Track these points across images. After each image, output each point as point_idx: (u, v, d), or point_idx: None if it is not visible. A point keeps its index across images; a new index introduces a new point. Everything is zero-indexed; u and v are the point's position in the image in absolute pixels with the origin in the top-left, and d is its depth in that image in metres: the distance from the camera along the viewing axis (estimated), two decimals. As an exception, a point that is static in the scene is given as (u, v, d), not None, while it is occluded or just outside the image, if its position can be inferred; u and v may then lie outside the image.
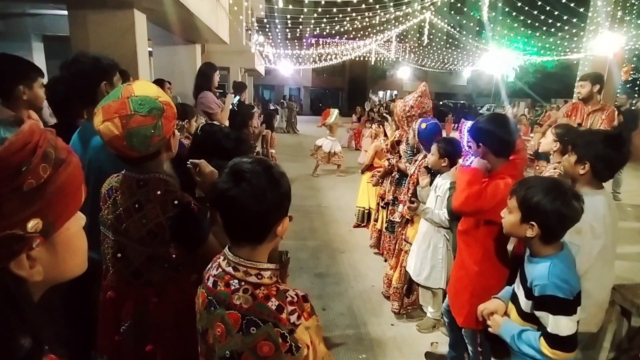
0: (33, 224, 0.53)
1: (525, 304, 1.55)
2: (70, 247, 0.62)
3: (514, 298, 1.64)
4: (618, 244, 1.96)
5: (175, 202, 1.32)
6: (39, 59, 7.15)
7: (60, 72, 1.85)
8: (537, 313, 1.48)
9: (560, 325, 1.40)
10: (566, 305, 1.41)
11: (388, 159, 3.84)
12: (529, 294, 1.52)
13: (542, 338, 1.45)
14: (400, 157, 3.58)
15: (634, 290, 2.14)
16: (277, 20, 15.56)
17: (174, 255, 1.33)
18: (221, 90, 5.00)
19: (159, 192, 1.32)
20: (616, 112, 3.88)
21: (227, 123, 4.08)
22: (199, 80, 4.05)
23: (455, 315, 2.17)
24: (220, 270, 1.05)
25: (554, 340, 1.41)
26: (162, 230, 1.30)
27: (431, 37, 16.49)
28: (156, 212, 1.30)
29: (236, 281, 1.01)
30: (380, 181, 4.10)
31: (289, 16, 13.96)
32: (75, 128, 1.85)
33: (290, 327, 0.95)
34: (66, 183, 0.57)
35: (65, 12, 3.90)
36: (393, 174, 3.72)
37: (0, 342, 0.51)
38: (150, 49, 6.22)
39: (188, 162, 1.46)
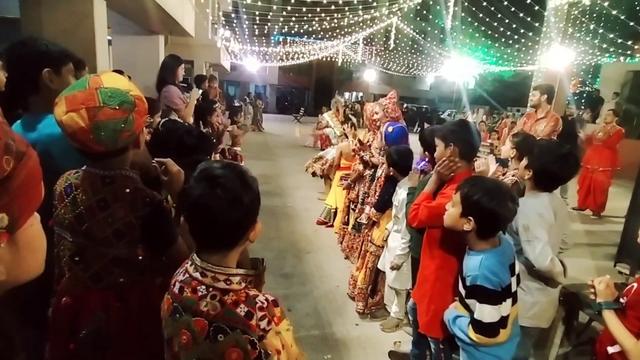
0: None
1: (464, 292, 1.68)
2: (32, 246, 0.60)
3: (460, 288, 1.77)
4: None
5: (147, 200, 1.25)
6: (-19, 41, 6.57)
7: (2, 56, 1.68)
8: (468, 300, 1.63)
9: (484, 312, 1.55)
10: (492, 296, 1.55)
11: (361, 157, 3.81)
12: (464, 283, 1.66)
13: (470, 323, 1.61)
14: (372, 155, 3.61)
15: (581, 288, 2.30)
16: (244, 16, 15.29)
17: (140, 257, 1.26)
18: (185, 85, 4.83)
19: (127, 190, 1.24)
20: (560, 120, 4.31)
21: (191, 120, 3.94)
22: (163, 73, 3.89)
23: (418, 318, 2.22)
24: (187, 275, 1.01)
25: (478, 326, 1.57)
26: (130, 231, 1.22)
27: (397, 41, 16.88)
28: (125, 211, 1.22)
29: (204, 287, 0.97)
30: (351, 185, 4.12)
31: (257, 12, 13.76)
32: (13, 121, 1.62)
33: (260, 334, 0.93)
34: (28, 177, 0.55)
35: (16, -7, 3.61)
36: (366, 173, 3.73)
37: None
38: (110, 38, 5.89)
39: (154, 161, 1.40)
